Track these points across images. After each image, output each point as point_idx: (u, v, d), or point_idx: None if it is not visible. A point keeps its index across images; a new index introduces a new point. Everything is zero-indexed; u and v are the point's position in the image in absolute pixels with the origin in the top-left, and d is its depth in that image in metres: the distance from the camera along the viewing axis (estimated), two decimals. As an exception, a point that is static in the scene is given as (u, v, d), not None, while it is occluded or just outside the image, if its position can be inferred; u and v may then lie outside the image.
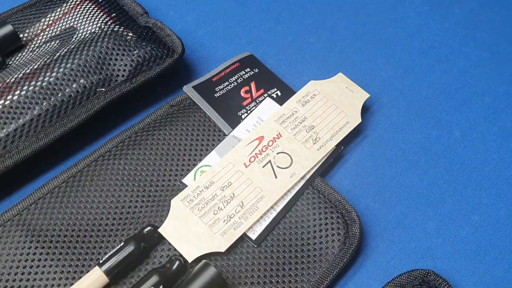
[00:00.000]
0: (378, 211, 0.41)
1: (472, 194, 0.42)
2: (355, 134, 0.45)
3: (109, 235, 0.38)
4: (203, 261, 0.35)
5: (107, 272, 0.35)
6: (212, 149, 0.42)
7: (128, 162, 0.41)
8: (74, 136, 0.43)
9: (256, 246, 0.38)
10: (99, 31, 0.45)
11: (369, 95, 0.45)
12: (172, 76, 0.48)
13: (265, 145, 0.42)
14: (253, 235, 0.38)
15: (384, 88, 0.48)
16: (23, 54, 0.47)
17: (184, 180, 0.41)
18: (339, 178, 0.43)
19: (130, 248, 0.36)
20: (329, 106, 0.44)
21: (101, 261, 0.35)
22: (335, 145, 0.42)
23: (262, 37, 0.51)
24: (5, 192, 0.41)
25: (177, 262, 0.36)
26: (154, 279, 0.34)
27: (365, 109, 0.46)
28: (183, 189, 0.40)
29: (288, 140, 0.42)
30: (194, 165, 0.42)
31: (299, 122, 0.43)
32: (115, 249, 0.36)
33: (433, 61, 0.50)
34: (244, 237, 0.38)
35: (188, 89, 0.46)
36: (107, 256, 0.35)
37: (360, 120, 0.44)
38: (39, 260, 0.36)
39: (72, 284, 0.35)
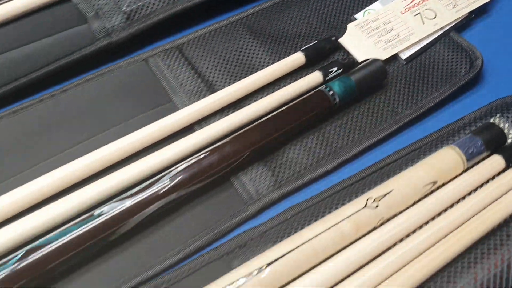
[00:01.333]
0: (496, 63, 0.55)
1: None
2: (483, 11, 0.59)
3: (305, 39, 0.54)
4: (372, 58, 0.51)
5: (306, 56, 0.51)
6: (377, 0, 0.58)
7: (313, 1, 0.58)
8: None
9: (405, 63, 0.53)
10: None
11: (497, -15, 0.59)
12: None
13: (416, 3, 0.57)
14: (404, 56, 0.53)
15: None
16: None
17: (355, 16, 0.56)
18: (467, 36, 0.57)
19: (323, 43, 0.52)
20: (466, -14, 0.59)
21: (302, 49, 0.52)
22: (468, 12, 0.57)
23: None
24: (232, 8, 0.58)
25: (352, 59, 0.51)
26: (337, 64, 0.50)
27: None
28: (354, 21, 0.55)
29: (435, 2, 0.57)
30: (363, 8, 0.57)
31: (443, -8, 0.58)
32: (312, 43, 0.52)
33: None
34: (397, 56, 0.53)
35: (359, -38, 0.61)
36: (308, 45, 0.52)
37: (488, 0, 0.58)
38: (255, 47, 0.53)
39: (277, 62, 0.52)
